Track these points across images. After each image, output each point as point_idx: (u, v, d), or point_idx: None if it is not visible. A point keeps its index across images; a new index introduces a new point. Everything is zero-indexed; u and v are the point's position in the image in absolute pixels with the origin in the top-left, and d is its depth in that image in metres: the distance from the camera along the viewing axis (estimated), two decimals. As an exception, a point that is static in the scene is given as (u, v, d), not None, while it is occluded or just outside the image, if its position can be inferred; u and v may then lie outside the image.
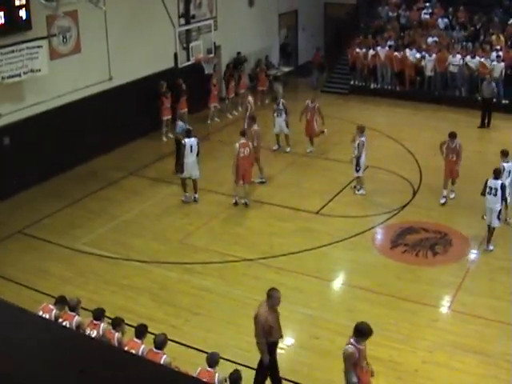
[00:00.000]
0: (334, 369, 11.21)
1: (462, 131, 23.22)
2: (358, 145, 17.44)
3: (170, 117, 22.41)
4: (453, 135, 17.47)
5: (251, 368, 10.40)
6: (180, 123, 19.57)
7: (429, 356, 11.48)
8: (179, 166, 18.27)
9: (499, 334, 12.07)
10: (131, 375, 3.35)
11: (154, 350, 9.50)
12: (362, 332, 9.47)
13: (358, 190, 17.91)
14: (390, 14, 29.59)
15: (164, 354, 9.46)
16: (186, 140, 17.57)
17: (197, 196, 17.88)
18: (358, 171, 17.71)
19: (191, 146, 17.48)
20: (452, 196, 17.52)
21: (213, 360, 9.24)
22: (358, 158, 17.49)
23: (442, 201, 17.24)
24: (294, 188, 18.54)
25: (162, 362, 9.09)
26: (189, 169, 17.61)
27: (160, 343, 9.55)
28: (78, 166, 19.95)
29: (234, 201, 17.51)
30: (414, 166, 19.57)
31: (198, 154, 17.56)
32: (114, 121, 21.06)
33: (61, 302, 10.81)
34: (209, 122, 21.12)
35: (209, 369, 9.14)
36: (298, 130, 21.44)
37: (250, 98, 22.17)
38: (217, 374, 9.08)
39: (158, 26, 22.53)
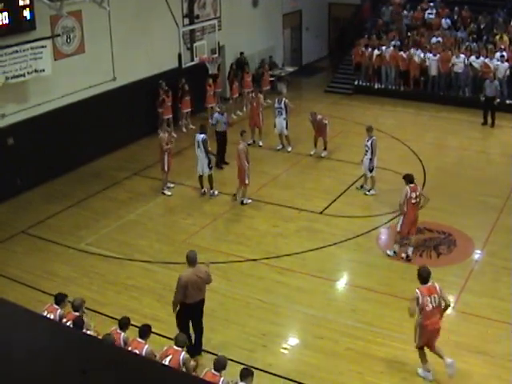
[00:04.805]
0: (338, 369, 11.23)
1: (466, 131, 23.29)
2: (372, 144, 17.40)
3: (171, 116, 22.40)
4: None
5: (255, 368, 10.37)
6: (216, 114, 19.71)
7: (432, 356, 11.46)
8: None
9: (502, 334, 12.04)
10: (133, 375, 3.35)
11: (175, 347, 9.73)
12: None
13: (369, 191, 17.87)
14: (395, 14, 29.57)
15: (183, 351, 9.70)
16: (196, 135, 17.73)
17: (212, 191, 18.01)
18: (371, 171, 17.68)
19: (197, 142, 17.56)
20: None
21: (219, 364, 9.22)
22: (372, 158, 17.47)
23: None
24: (298, 188, 18.53)
25: (180, 357, 9.54)
26: (200, 165, 17.74)
27: (181, 342, 9.84)
28: (81, 167, 19.99)
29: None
30: (418, 166, 19.54)
31: (206, 153, 17.60)
32: (118, 121, 21.12)
33: (61, 300, 10.83)
34: (210, 121, 21.19)
35: (214, 372, 9.13)
36: (302, 130, 21.46)
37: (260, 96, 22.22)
38: (221, 379, 9.06)
39: (162, 26, 22.54)
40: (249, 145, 17.87)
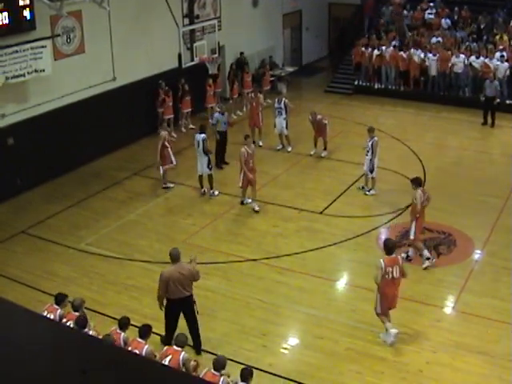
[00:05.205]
0: (338, 369, 11.23)
1: (466, 131, 23.28)
2: (372, 145, 17.40)
3: (172, 116, 22.42)
4: None
5: (255, 368, 10.39)
6: (216, 114, 19.74)
7: (433, 356, 11.47)
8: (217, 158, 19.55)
9: (503, 334, 12.03)
10: (133, 375, 3.34)
11: (175, 347, 9.81)
12: None
13: (369, 191, 17.87)
14: (395, 14, 29.56)
15: (183, 351, 9.77)
16: (196, 135, 17.76)
17: (212, 191, 18.03)
18: (372, 172, 17.68)
19: (198, 142, 17.56)
20: None
21: (218, 363, 9.23)
22: (373, 159, 17.47)
23: None
24: (298, 188, 18.53)
25: (180, 357, 9.61)
26: (199, 164, 17.75)
27: (181, 342, 9.92)
28: (81, 167, 19.99)
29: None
30: (418, 166, 19.54)
31: (205, 152, 17.60)
32: (118, 121, 21.11)
33: (62, 300, 10.83)
34: (210, 121, 21.20)
35: (214, 372, 9.14)
36: (302, 130, 21.45)
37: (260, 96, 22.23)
38: (222, 378, 9.07)
39: (162, 26, 22.54)
40: (248, 136, 17.83)
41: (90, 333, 9.95)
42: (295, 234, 16.01)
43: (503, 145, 22.08)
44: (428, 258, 14.28)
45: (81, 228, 16.59)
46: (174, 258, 11.39)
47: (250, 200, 17.39)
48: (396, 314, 12.56)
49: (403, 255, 14.57)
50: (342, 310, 12.96)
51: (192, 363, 9.65)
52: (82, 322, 10.01)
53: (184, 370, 9.39)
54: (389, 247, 11.77)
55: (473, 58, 24.97)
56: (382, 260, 11.56)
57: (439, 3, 28.98)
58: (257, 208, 17.05)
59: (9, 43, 16.96)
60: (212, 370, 9.18)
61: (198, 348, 11.62)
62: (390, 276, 11.48)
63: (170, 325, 11.55)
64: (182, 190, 18.63)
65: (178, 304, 11.39)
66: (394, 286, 11.65)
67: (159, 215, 17.49)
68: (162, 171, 18.25)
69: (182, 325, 12.33)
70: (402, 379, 10.97)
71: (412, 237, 14.25)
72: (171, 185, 18.60)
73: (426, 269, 14.17)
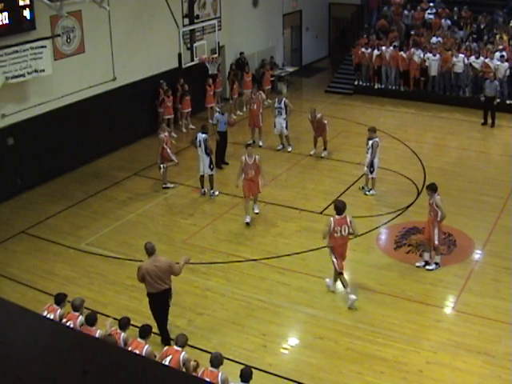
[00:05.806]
0: (338, 369, 11.23)
1: (466, 131, 23.27)
2: (372, 145, 17.38)
3: (171, 116, 22.43)
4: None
5: (255, 368, 10.38)
6: (216, 114, 19.75)
7: (433, 356, 11.47)
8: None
9: (503, 334, 12.03)
10: (133, 375, 3.34)
11: (175, 347, 9.77)
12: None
13: (369, 191, 17.86)
14: (395, 14, 29.57)
15: (183, 351, 9.73)
16: (198, 134, 17.73)
17: (212, 191, 18.03)
18: (372, 172, 17.66)
19: (199, 142, 17.54)
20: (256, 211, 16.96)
21: (216, 360, 9.27)
22: (373, 159, 17.46)
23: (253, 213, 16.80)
24: (298, 188, 18.54)
25: (180, 357, 9.57)
26: (201, 165, 17.75)
27: (182, 342, 9.86)
28: (81, 167, 19.99)
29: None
30: (418, 166, 19.55)
31: (207, 151, 17.59)
32: (118, 121, 21.12)
33: (62, 300, 10.84)
34: (210, 121, 21.18)
35: (212, 369, 9.17)
36: (302, 130, 21.45)
37: (262, 93, 22.23)
38: (220, 374, 9.11)
39: (162, 26, 22.54)
40: (249, 145, 17.78)
41: (98, 331, 10.00)
42: (295, 234, 16.01)
43: (503, 145, 22.08)
44: (436, 263, 14.25)
45: (81, 228, 16.59)
46: (148, 251, 11.62)
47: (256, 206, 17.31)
48: (396, 314, 12.60)
49: (418, 264, 14.38)
50: (342, 309, 12.96)
51: (192, 363, 9.66)
52: (91, 319, 10.07)
53: (184, 370, 9.40)
54: (339, 208, 12.79)
55: (473, 58, 24.95)
56: (332, 219, 12.72)
57: (439, 3, 28.97)
58: (256, 210, 17.03)
59: (9, 43, 16.96)
60: (210, 368, 9.20)
61: (165, 338, 11.77)
62: (339, 234, 12.65)
63: (156, 319, 11.75)
64: (181, 190, 18.64)
65: (155, 297, 11.63)
66: (342, 242, 12.81)
67: (159, 215, 17.49)
68: (162, 170, 18.25)
69: (183, 324, 12.36)
70: (402, 379, 10.97)
71: (437, 242, 14.02)
72: (171, 185, 18.63)
73: (429, 270, 14.15)
